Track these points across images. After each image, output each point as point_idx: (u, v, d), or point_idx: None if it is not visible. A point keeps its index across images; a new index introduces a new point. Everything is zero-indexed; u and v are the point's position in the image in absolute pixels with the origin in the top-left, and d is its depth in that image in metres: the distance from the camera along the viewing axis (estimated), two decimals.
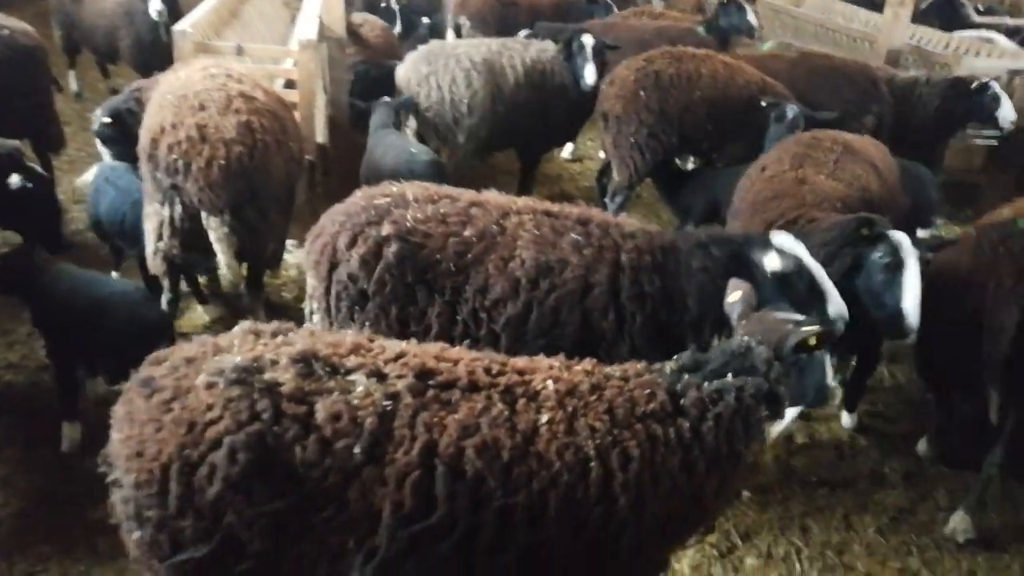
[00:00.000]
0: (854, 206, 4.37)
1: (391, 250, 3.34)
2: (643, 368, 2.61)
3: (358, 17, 8.13)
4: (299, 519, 2.19)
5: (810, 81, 6.73)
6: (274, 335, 2.46)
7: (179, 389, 2.23)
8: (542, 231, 3.51)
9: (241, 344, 2.38)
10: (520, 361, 2.55)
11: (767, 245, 3.43)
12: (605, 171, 6.88)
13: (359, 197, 3.62)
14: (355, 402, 2.23)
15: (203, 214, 4.36)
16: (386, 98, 6.00)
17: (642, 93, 6.02)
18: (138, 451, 2.19)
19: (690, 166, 6.76)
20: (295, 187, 5.02)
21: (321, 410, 2.20)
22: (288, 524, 2.19)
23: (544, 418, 2.33)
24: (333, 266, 3.43)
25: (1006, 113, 6.62)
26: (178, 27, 5.82)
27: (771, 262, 3.38)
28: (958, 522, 4.01)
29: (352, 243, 3.39)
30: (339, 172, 6.39)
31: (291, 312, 5.31)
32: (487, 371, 2.42)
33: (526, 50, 6.63)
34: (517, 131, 6.66)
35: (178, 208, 4.39)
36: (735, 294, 2.90)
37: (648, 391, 2.47)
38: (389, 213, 3.45)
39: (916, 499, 4.22)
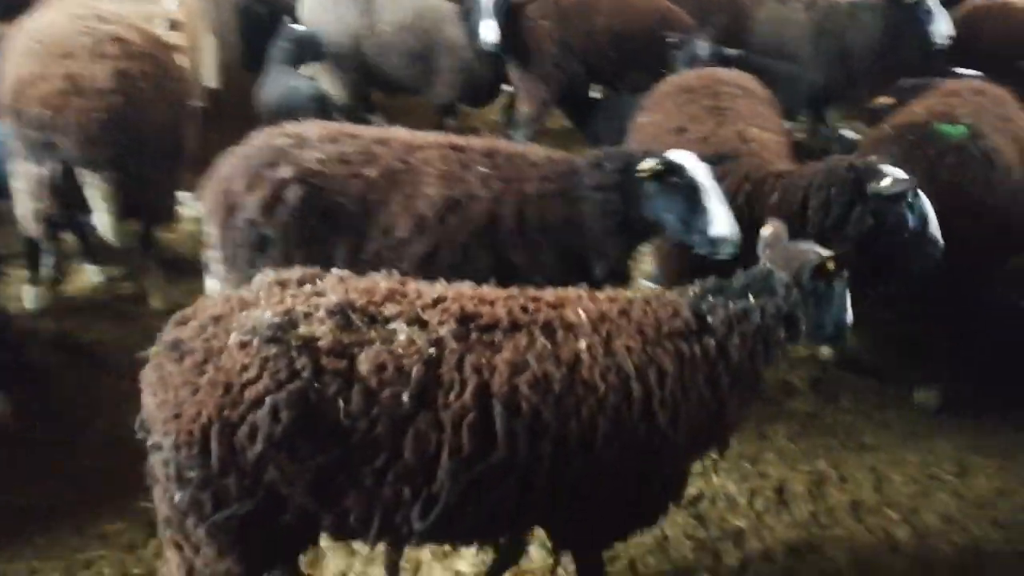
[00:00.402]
0: None
1: (292, 193, 3.22)
2: (662, 291, 2.75)
3: None
4: (346, 472, 2.21)
5: None
6: (300, 284, 2.43)
7: (211, 350, 2.21)
8: (448, 165, 3.44)
9: (268, 297, 2.34)
10: (548, 294, 2.60)
11: (655, 156, 3.33)
12: (512, 103, 6.79)
13: (256, 139, 3.47)
14: (399, 351, 2.23)
15: (81, 171, 4.11)
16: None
17: (545, 23, 5.95)
18: (175, 413, 2.19)
19: (596, 94, 6.75)
20: (183, 134, 4.73)
21: (364, 362, 2.19)
22: (333, 478, 2.21)
23: (583, 344, 2.39)
24: (231, 212, 3.29)
25: (940, 27, 5.96)
26: None
27: (676, 181, 3.31)
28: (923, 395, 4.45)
29: (250, 187, 3.26)
30: (235, 117, 6.10)
31: (189, 268, 5.10)
32: (524, 309, 2.46)
33: None
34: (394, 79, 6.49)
35: (54, 165, 4.12)
36: (766, 228, 2.96)
37: (672, 311, 2.58)
38: (288, 154, 3.32)
39: (822, 404, 4.42)
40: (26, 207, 4.23)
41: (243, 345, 2.18)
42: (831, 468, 4.04)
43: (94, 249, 4.96)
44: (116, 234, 4.45)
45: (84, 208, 4.27)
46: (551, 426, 2.30)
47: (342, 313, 2.27)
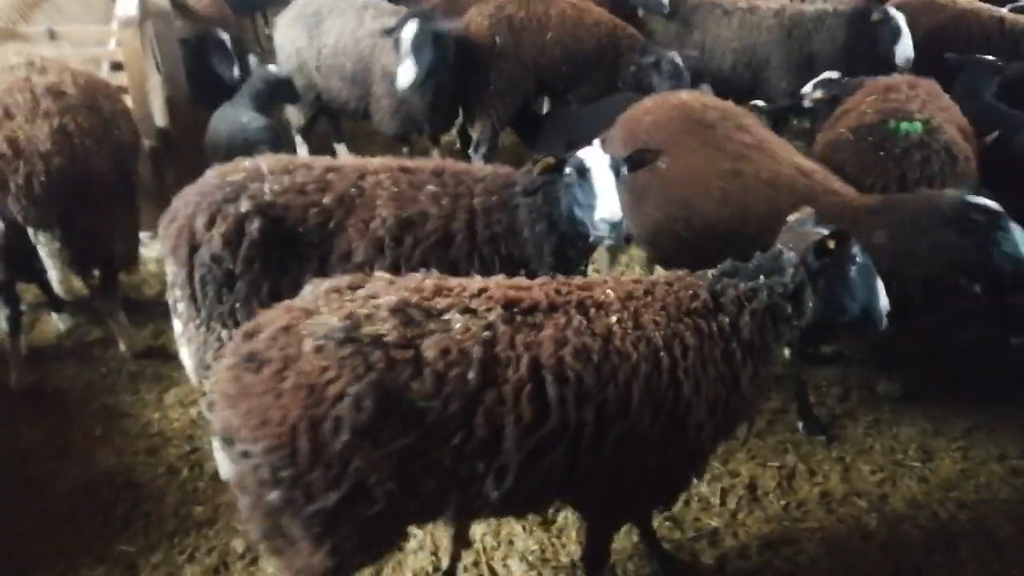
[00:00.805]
0: None
1: (254, 226, 3.23)
2: (684, 273, 2.96)
3: None
4: (426, 455, 2.41)
5: None
6: (353, 289, 2.59)
7: (288, 357, 2.37)
8: (400, 187, 3.49)
9: (328, 304, 2.51)
10: (577, 280, 2.87)
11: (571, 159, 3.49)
12: (466, 122, 6.84)
13: (211, 175, 3.48)
14: (458, 337, 2.44)
15: (30, 230, 4.08)
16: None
17: (497, 39, 6.02)
18: (263, 420, 2.34)
19: (544, 109, 6.84)
20: (132, 179, 4.68)
21: (429, 349, 2.40)
22: (415, 462, 2.40)
23: (614, 319, 2.65)
24: (193, 249, 3.28)
25: (903, 50, 6.00)
26: None
27: (569, 172, 3.45)
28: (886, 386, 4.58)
29: (211, 223, 3.25)
30: (186, 155, 6.08)
31: (153, 309, 5.07)
32: (557, 292, 2.72)
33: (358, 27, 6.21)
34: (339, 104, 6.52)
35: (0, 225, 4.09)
36: (793, 216, 3.18)
37: (691, 292, 2.83)
38: (245, 188, 3.32)
39: (788, 399, 4.50)
40: None
41: (319, 349, 2.36)
42: (800, 462, 4.12)
43: (57, 298, 4.89)
44: (67, 289, 4.43)
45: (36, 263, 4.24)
46: (593, 392, 2.54)
47: (402, 310, 2.47)
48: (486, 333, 2.49)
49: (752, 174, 4.07)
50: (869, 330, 3.17)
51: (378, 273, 2.74)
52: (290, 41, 6.40)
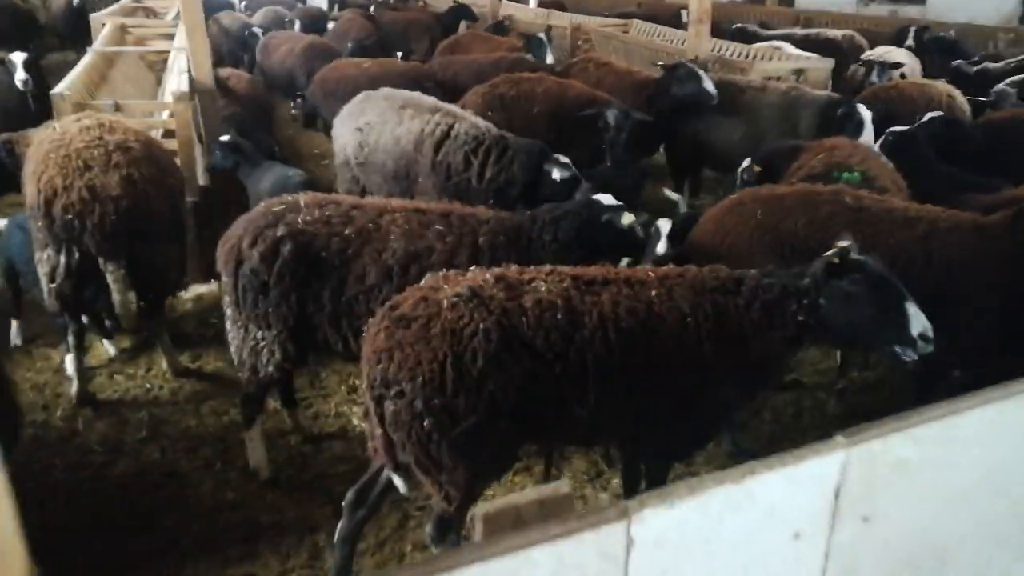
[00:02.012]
0: None
1: (286, 248, 3.98)
2: (723, 267, 3.62)
3: (225, 71, 8.70)
4: (535, 380, 3.12)
5: None
6: (458, 276, 3.39)
7: (431, 314, 3.12)
8: (411, 225, 4.21)
9: (448, 283, 3.30)
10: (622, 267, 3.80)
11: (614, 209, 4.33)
12: None
13: (260, 207, 4.24)
14: (544, 294, 3.24)
15: (100, 260, 4.88)
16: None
17: (490, 114, 6.89)
18: (417, 362, 3.05)
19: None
20: (182, 218, 5.53)
21: (527, 300, 3.20)
22: (529, 386, 3.11)
23: (653, 292, 3.38)
24: (239, 264, 4.03)
25: (867, 139, 6.67)
26: (56, 90, 6.27)
27: (626, 219, 4.29)
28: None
29: (253, 243, 4.00)
30: (223, 209, 6.91)
31: (191, 339, 5.84)
32: (608, 273, 3.48)
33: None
34: None
35: (75, 255, 4.86)
36: (840, 242, 3.53)
37: (716, 276, 3.52)
38: (283, 217, 4.08)
39: (745, 416, 5.10)
40: (46, 288, 4.94)
41: (453, 305, 3.13)
42: None
43: (108, 328, 5.61)
44: (126, 311, 5.17)
45: (99, 289, 5.00)
46: (641, 342, 3.25)
47: (503, 279, 3.29)
48: (564, 293, 3.27)
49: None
50: (899, 352, 3.26)
51: (473, 268, 3.54)
52: (339, 136, 6.77)
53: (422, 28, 14.47)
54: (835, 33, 12.73)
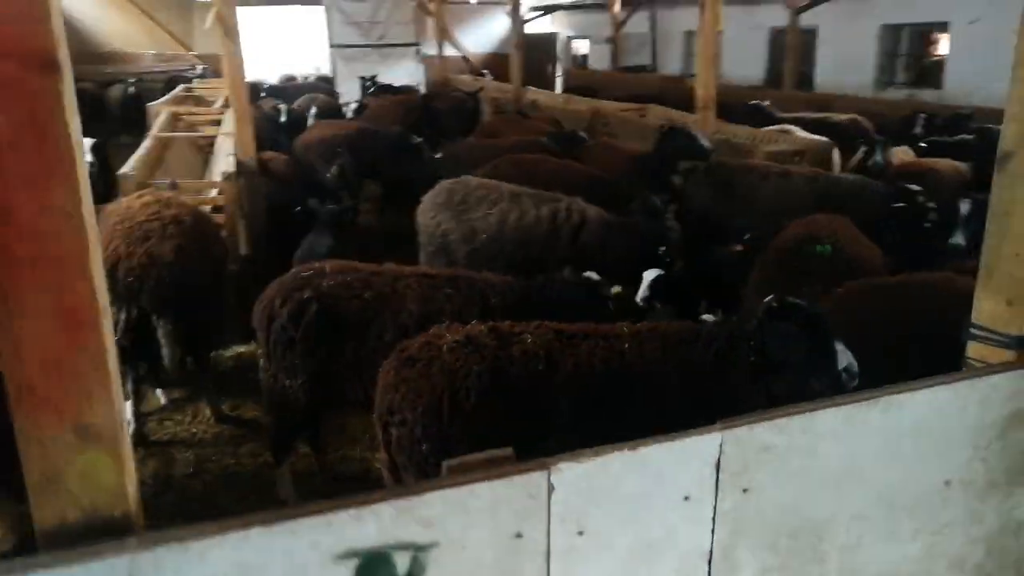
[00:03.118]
0: None
1: (311, 308, 4.63)
2: (687, 322, 4.19)
3: (267, 154, 9.58)
4: (522, 415, 3.57)
5: None
6: (458, 327, 3.94)
7: (432, 357, 3.66)
8: (423, 289, 4.86)
9: (448, 332, 3.83)
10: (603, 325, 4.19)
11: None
12: None
13: (292, 271, 4.93)
14: (530, 344, 3.74)
15: (153, 316, 5.59)
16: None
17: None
18: (418, 394, 3.55)
19: None
20: (224, 283, 6.26)
21: (514, 350, 3.69)
22: (516, 419, 3.55)
23: (626, 345, 3.83)
24: (271, 321, 4.68)
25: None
26: (121, 171, 7.14)
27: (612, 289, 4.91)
28: None
29: (283, 303, 4.65)
30: (262, 277, 7.65)
31: (231, 389, 6.50)
32: (588, 328, 3.94)
33: None
34: None
35: (134, 312, 5.59)
36: None
37: (679, 328, 4.02)
38: (310, 282, 4.74)
39: None
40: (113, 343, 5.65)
41: (452, 350, 3.66)
42: None
43: (161, 378, 6.32)
44: (173, 363, 5.84)
45: (153, 343, 5.70)
46: (612, 382, 3.68)
47: (496, 331, 3.81)
48: (547, 343, 3.76)
49: None
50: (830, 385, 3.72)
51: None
52: (435, 224, 6.88)
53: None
54: (841, 117, 13.41)
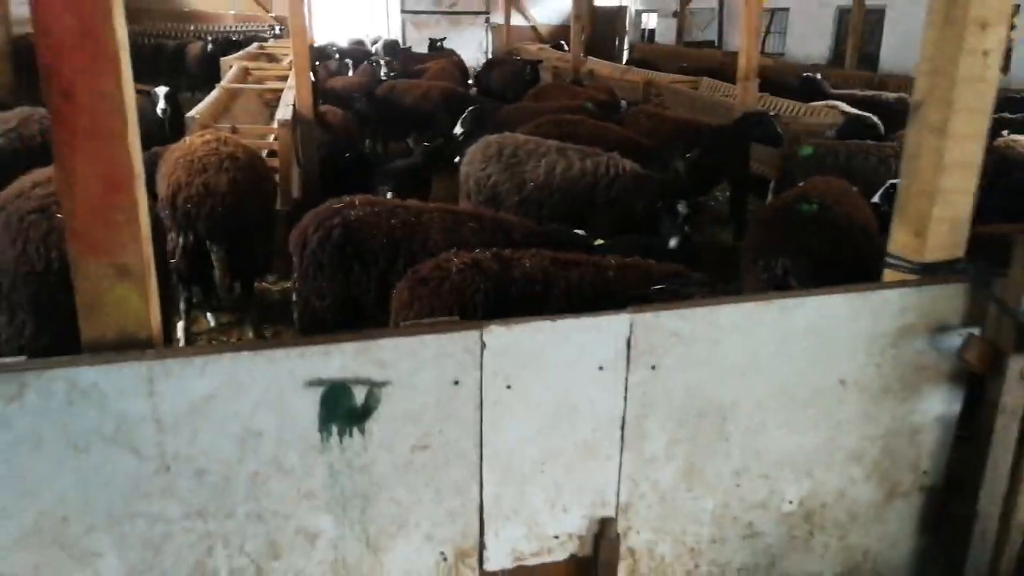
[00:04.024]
0: None
1: (336, 232, 5.21)
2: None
3: (324, 107, 10.22)
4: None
5: None
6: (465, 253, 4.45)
7: (443, 277, 4.17)
8: (446, 221, 5.40)
9: (457, 257, 4.35)
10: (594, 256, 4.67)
11: None
12: None
13: (326, 204, 5.52)
14: (529, 268, 4.26)
15: (208, 242, 6.25)
16: None
17: None
18: (430, 310, 4.03)
19: None
20: (272, 222, 6.90)
21: (516, 274, 4.21)
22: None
23: (611, 273, 4.34)
24: (304, 247, 5.29)
25: None
26: (188, 114, 7.84)
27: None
28: None
29: (316, 230, 5.24)
30: None
31: (273, 319, 7.17)
32: (580, 258, 4.47)
33: None
34: None
35: (191, 238, 6.27)
36: None
37: (662, 267, 4.49)
38: (340, 212, 5.33)
39: None
40: (172, 265, 6.35)
41: (460, 271, 4.16)
42: None
43: (212, 302, 7.04)
44: (223, 287, 6.50)
45: (207, 268, 6.38)
46: (598, 305, 4.25)
47: (499, 257, 4.32)
48: (543, 267, 4.26)
49: None
50: None
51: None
52: (485, 175, 7.41)
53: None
54: (890, 95, 13.43)
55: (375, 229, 5.29)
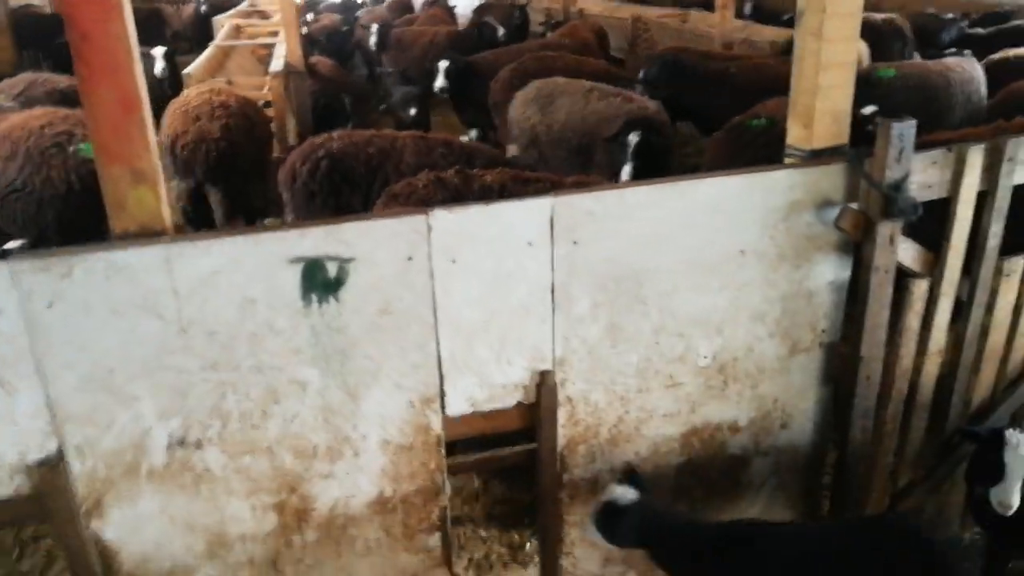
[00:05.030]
0: None
1: (324, 163, 5.81)
2: None
3: (314, 58, 10.74)
4: None
5: None
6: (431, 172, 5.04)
7: (411, 192, 4.81)
8: (419, 147, 5.99)
9: (424, 178, 4.94)
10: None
11: None
12: None
13: (307, 141, 6.11)
14: (488, 182, 4.81)
15: (206, 184, 6.86)
16: None
17: (515, 82, 8.60)
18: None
19: None
20: (266, 167, 7.49)
21: (475, 186, 4.77)
22: None
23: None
24: (294, 179, 5.90)
25: None
26: (185, 71, 8.41)
27: None
28: None
29: (303, 162, 5.86)
30: None
31: None
32: (540, 175, 5.02)
33: None
34: None
35: (191, 181, 6.89)
36: None
37: None
38: (323, 145, 5.93)
39: None
40: (176, 208, 6.98)
41: (425, 186, 4.78)
42: None
43: None
44: (224, 226, 7.14)
45: (210, 212, 7.01)
46: None
47: (462, 174, 4.89)
48: (505, 183, 4.78)
49: None
50: None
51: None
52: (525, 118, 7.92)
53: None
54: (878, 17, 13.61)
55: (357, 155, 5.90)
